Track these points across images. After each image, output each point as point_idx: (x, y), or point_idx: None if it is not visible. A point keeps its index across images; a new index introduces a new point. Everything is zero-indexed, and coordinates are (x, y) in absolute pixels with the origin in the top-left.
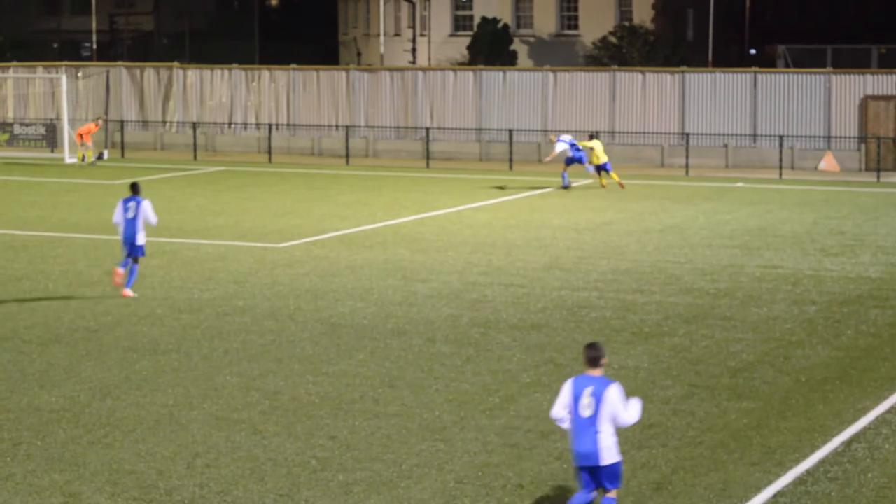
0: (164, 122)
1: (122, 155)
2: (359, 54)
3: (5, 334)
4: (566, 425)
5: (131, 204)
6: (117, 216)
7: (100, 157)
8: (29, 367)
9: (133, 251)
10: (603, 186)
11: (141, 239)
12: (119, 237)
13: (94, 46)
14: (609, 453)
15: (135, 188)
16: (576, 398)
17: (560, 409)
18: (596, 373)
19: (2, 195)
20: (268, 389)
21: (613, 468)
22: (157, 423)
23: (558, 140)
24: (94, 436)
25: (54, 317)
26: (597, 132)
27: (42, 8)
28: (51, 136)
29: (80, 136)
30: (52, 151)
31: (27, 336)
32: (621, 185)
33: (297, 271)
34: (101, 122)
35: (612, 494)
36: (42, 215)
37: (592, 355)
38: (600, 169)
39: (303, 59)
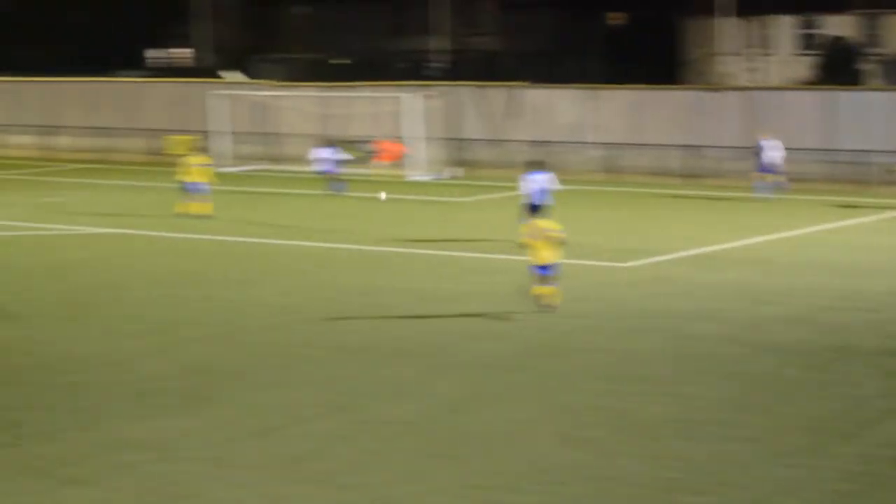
0: (508, 140)
1: (467, 174)
2: (702, 73)
3: (359, 347)
4: None
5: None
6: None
7: (446, 176)
8: (381, 379)
9: None
10: None
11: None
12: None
13: (441, 66)
14: None
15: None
16: None
17: None
18: None
19: (354, 212)
20: (615, 408)
21: None
22: (505, 439)
23: None
24: (443, 449)
25: (404, 331)
26: None
27: (389, 29)
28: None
29: (385, 151)
30: (399, 170)
31: (378, 349)
32: None
33: (642, 291)
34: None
35: None
36: (392, 232)
37: None
38: None
39: (646, 78)
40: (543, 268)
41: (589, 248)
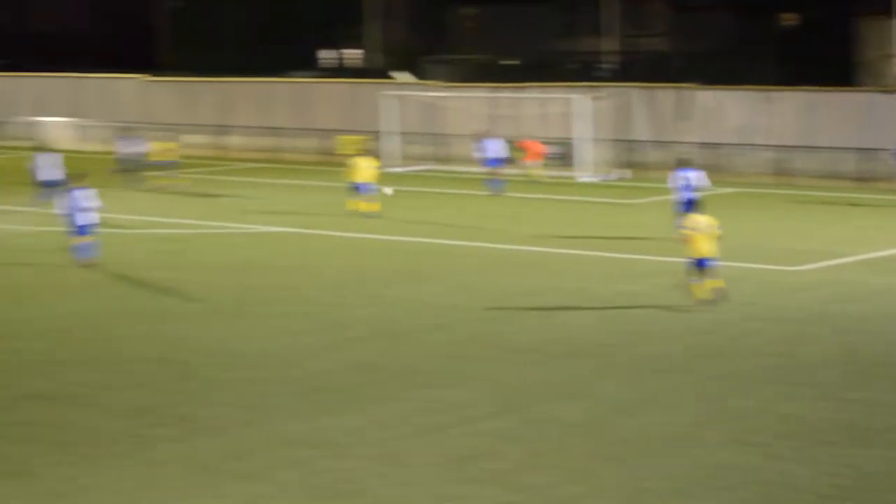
0: (678, 142)
1: (635, 175)
2: (877, 75)
3: (529, 346)
4: None
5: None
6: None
7: (613, 177)
8: (549, 379)
9: None
10: None
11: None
12: None
13: (610, 67)
14: None
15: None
16: None
17: None
18: None
19: (520, 212)
20: (782, 413)
21: None
22: (673, 441)
23: None
24: (611, 451)
25: (573, 332)
26: None
27: (560, 30)
28: (567, 156)
29: (530, 151)
30: (568, 170)
31: (547, 350)
32: None
33: (813, 294)
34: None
35: None
36: (554, 232)
37: None
38: None
39: (819, 79)
40: (702, 261)
41: (758, 251)
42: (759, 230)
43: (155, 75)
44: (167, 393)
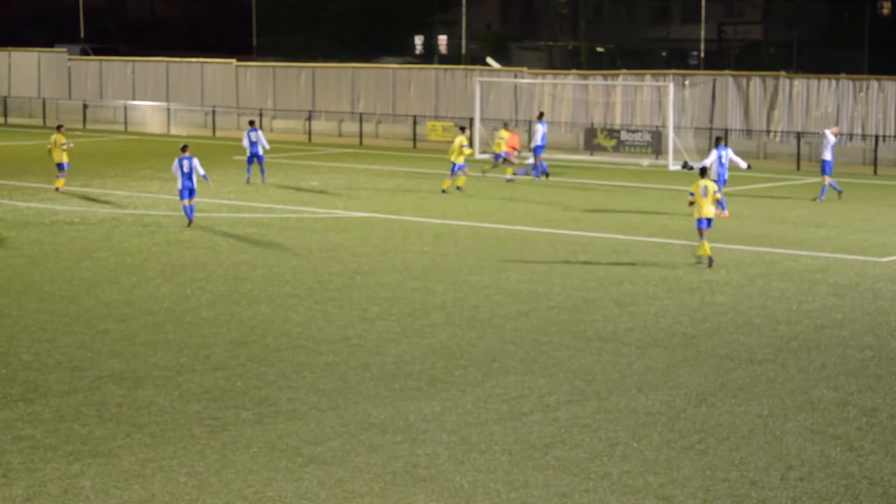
0: (768, 131)
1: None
2: None
3: (607, 336)
4: None
5: (185, 162)
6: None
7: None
8: (628, 369)
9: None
10: None
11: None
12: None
13: (702, 55)
14: None
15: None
16: None
17: None
18: None
19: (608, 200)
20: (865, 406)
21: None
22: (751, 432)
23: None
24: (688, 441)
25: (653, 321)
26: None
27: (653, 17)
28: (656, 143)
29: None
30: (657, 158)
31: (627, 339)
32: None
33: None
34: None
35: None
36: (644, 221)
37: None
38: None
39: None
40: (701, 221)
41: (847, 242)
42: (848, 220)
43: (245, 60)
44: (246, 376)
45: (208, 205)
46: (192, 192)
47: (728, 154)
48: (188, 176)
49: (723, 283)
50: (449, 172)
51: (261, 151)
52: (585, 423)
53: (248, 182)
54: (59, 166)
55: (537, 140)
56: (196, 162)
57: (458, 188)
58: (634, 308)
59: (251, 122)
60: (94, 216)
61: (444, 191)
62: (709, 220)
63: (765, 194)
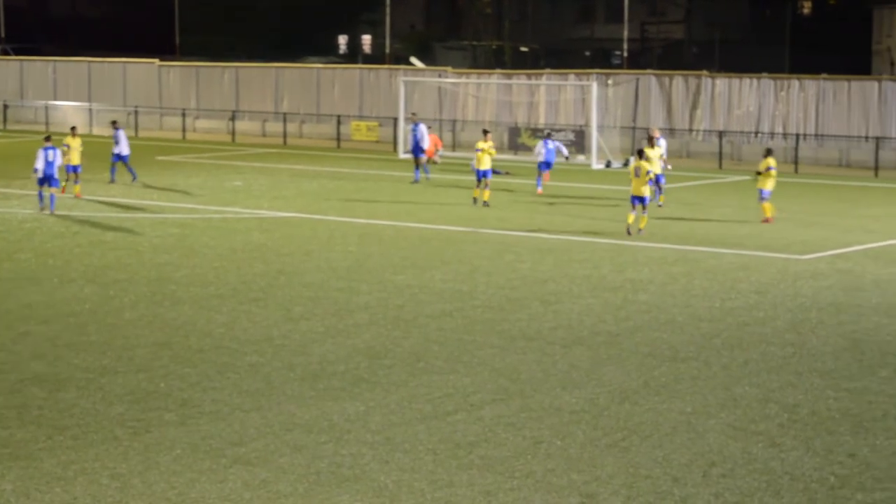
0: (690, 130)
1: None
2: (892, 64)
3: (531, 334)
4: None
5: (50, 152)
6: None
7: (619, 165)
8: (552, 367)
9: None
10: None
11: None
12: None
13: (625, 55)
14: None
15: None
16: None
17: None
18: None
19: (532, 200)
20: (787, 402)
21: None
22: (673, 429)
23: None
24: (611, 439)
25: (577, 319)
26: None
27: (577, 16)
28: (579, 142)
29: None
30: (582, 157)
31: (551, 337)
32: None
33: (820, 284)
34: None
35: None
36: (568, 220)
37: None
38: None
39: (833, 68)
40: (637, 198)
41: (769, 240)
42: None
43: (168, 60)
44: (169, 378)
45: (131, 205)
46: (52, 181)
47: (664, 147)
48: (51, 165)
49: (646, 282)
50: (477, 181)
51: (125, 152)
52: (510, 421)
53: (112, 181)
54: (73, 169)
55: (542, 157)
56: (58, 153)
57: (485, 203)
58: (559, 307)
59: (114, 123)
60: (14, 217)
61: (485, 202)
62: (642, 198)
63: (689, 193)
